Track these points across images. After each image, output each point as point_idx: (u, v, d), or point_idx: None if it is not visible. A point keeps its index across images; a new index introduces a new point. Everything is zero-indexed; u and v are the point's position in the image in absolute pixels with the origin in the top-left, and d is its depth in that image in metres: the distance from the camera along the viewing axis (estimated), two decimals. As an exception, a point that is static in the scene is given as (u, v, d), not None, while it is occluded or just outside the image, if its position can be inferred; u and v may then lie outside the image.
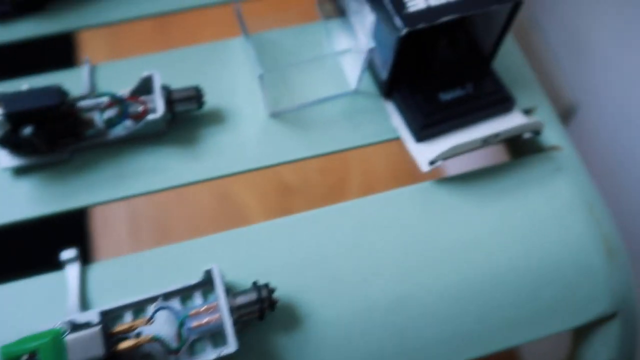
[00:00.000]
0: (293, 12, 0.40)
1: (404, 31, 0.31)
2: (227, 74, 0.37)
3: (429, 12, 0.31)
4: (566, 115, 0.64)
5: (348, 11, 0.37)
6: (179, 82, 0.36)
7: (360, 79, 0.36)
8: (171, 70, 0.37)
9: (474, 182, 0.34)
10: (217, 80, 0.37)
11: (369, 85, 0.37)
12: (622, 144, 0.55)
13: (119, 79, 0.37)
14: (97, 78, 0.37)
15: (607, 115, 0.56)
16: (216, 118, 0.36)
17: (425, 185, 0.34)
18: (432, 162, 0.33)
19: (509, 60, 0.39)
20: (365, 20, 0.35)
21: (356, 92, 0.37)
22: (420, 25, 0.31)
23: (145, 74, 0.34)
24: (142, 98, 0.34)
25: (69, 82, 0.36)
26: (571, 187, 0.35)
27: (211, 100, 0.36)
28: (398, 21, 0.31)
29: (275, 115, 0.36)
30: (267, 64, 0.38)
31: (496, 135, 0.33)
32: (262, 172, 0.35)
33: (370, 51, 0.33)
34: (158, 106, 0.34)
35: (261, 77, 0.32)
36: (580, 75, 0.59)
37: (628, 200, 0.55)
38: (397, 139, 0.36)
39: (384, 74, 0.35)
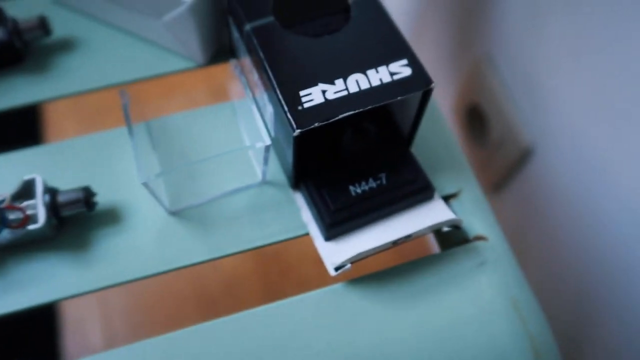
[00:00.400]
0: (202, 92, 0.37)
1: (297, 132, 0.28)
2: (123, 167, 0.34)
3: (327, 108, 0.29)
4: (523, 156, 0.62)
5: (255, 97, 0.34)
6: (69, 179, 0.33)
7: (265, 171, 0.33)
8: (62, 164, 0.35)
9: (390, 282, 0.32)
10: (113, 175, 0.34)
11: (279, 173, 0.35)
12: (577, 186, 0.53)
13: (8, 175, 0.34)
14: (-14, 174, 0.35)
15: (564, 158, 0.54)
16: (110, 218, 0.33)
17: (336, 288, 0.31)
18: (338, 268, 0.30)
19: (435, 138, 0.36)
20: (266, 109, 0.32)
21: (264, 183, 0.34)
22: (315, 125, 0.28)
23: (26, 177, 0.32)
24: (24, 204, 0.31)
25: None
26: (495, 282, 0.32)
27: (106, 197, 0.33)
28: (291, 120, 0.28)
29: (176, 213, 0.33)
30: (169, 151, 0.35)
31: (408, 236, 0.31)
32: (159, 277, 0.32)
33: (268, 147, 0.31)
34: (39, 214, 0.31)
35: (146, 185, 0.29)
36: (537, 117, 0.57)
37: (583, 244, 0.53)
38: (308, 235, 0.33)
39: (290, 167, 0.32)
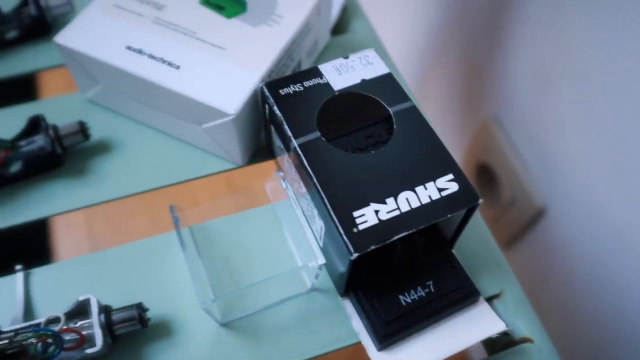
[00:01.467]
0: (242, 193, 0.38)
1: (355, 256, 0.29)
2: (170, 276, 0.35)
3: (381, 228, 0.29)
4: (535, 215, 0.63)
5: (300, 204, 0.35)
6: (115, 290, 0.34)
7: (315, 283, 0.34)
8: (108, 274, 0.35)
9: (442, 390, 0.32)
10: (160, 285, 0.35)
11: (326, 280, 0.35)
12: (592, 248, 0.54)
13: (57, 290, 0.35)
14: (32, 287, 0.35)
15: (578, 219, 0.55)
16: (163, 332, 0.33)
17: (391, 399, 0.32)
18: (394, 383, 0.31)
19: (474, 237, 0.37)
20: (314, 220, 0.33)
21: (312, 290, 0.35)
22: (372, 247, 0.29)
23: (81, 298, 0.32)
24: (78, 325, 0.31)
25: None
26: (545, 388, 0.32)
27: (156, 310, 0.34)
28: (348, 243, 0.29)
29: (226, 324, 0.33)
30: (214, 258, 0.35)
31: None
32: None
33: (322, 265, 0.31)
34: (96, 336, 0.31)
35: (206, 311, 0.30)
36: (548, 178, 0.58)
37: (600, 306, 0.54)
38: (360, 343, 0.33)
39: (339, 276, 0.33)
